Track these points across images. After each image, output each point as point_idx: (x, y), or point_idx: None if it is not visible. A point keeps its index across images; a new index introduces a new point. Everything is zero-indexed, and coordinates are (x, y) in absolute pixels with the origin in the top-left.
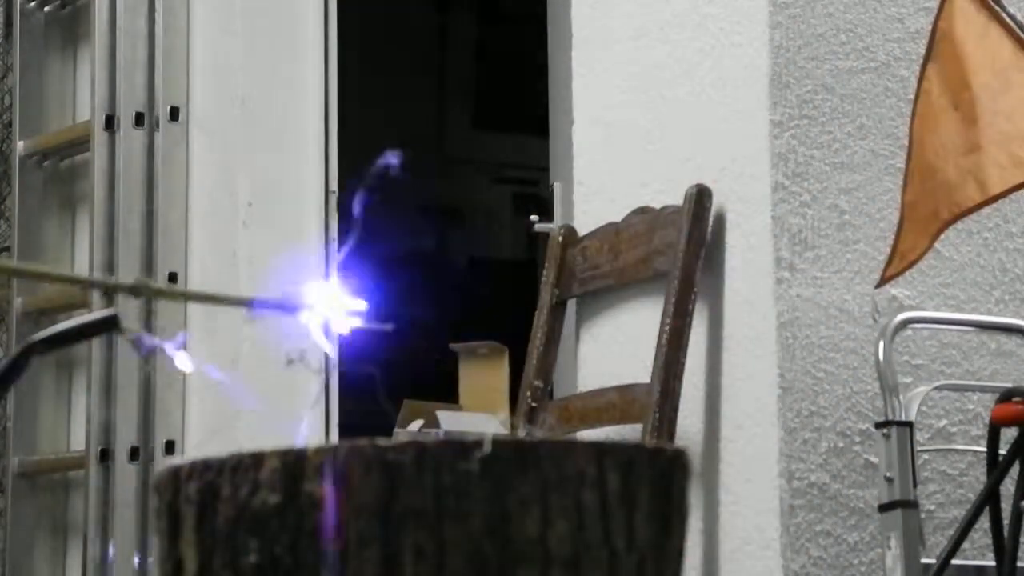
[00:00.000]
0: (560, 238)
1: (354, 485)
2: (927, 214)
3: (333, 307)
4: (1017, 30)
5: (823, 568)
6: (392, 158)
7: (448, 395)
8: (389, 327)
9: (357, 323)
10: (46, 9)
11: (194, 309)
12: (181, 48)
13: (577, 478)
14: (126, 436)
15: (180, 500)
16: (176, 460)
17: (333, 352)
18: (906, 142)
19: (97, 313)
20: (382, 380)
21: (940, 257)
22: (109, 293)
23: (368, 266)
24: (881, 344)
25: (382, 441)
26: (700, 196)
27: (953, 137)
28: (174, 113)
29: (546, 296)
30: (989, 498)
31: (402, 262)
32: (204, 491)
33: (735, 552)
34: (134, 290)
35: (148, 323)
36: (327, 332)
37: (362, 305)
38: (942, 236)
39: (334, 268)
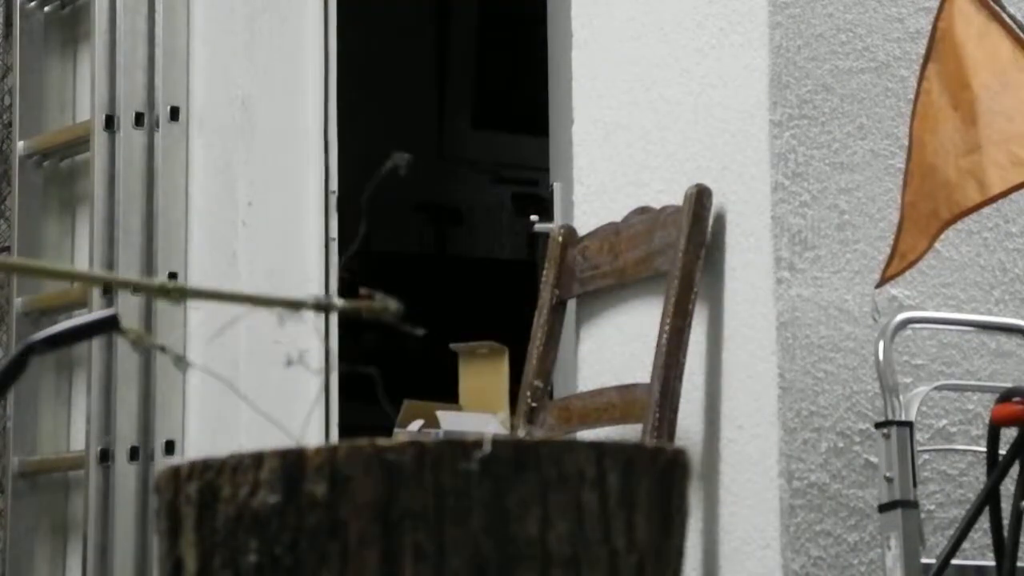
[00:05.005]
0: (560, 238)
1: (354, 485)
2: (927, 214)
3: (364, 308)
4: (1017, 30)
5: (823, 568)
6: (392, 158)
7: (448, 395)
8: (420, 331)
9: (387, 324)
10: (46, 9)
11: (194, 309)
12: (181, 48)
13: (577, 478)
14: (126, 436)
15: (180, 500)
16: (176, 460)
17: (333, 349)
18: (906, 142)
19: (97, 313)
20: (382, 380)
21: (940, 257)
22: (109, 290)
23: (368, 266)
24: (881, 344)
25: (382, 441)
26: (700, 196)
27: (953, 137)
28: (174, 113)
29: (546, 296)
30: (989, 498)
31: (402, 261)
32: (204, 491)
33: (735, 552)
34: (162, 291)
35: (148, 323)
36: (327, 327)
37: (395, 307)
38: (942, 236)
39: (334, 268)
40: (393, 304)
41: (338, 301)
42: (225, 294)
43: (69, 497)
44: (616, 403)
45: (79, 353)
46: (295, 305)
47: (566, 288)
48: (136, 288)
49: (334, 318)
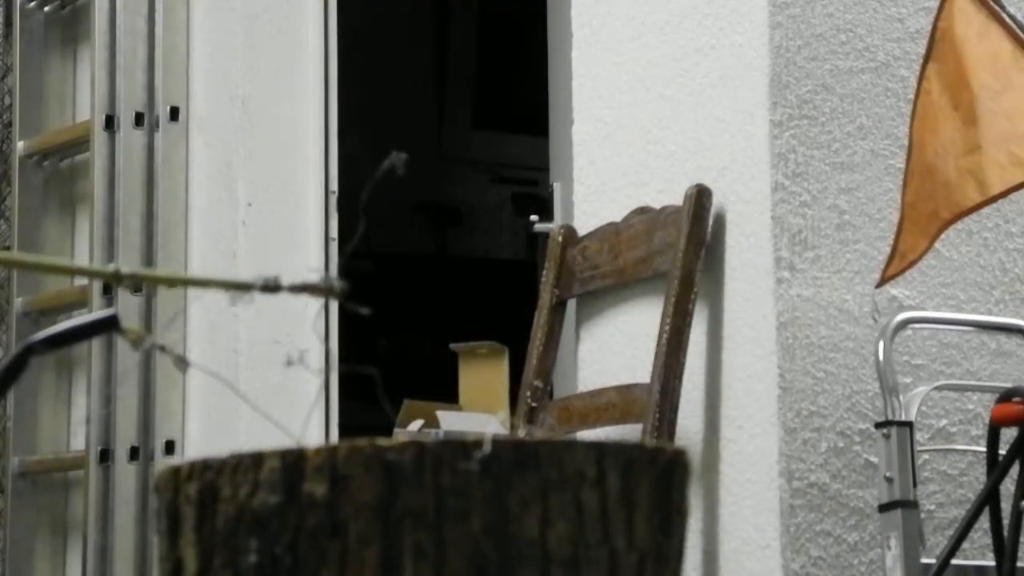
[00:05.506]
0: (560, 238)
1: (354, 485)
2: (927, 214)
3: (312, 288)
4: (1017, 30)
5: (823, 568)
6: (391, 158)
7: (448, 395)
8: (365, 311)
9: (336, 302)
10: (46, 9)
11: (194, 309)
12: (181, 48)
13: (577, 478)
14: (126, 436)
15: (180, 500)
16: (176, 460)
17: (333, 349)
18: (906, 142)
19: (97, 313)
20: (382, 380)
21: (940, 257)
22: (109, 290)
23: (368, 266)
24: (881, 344)
25: (382, 441)
26: (700, 196)
27: (953, 137)
28: (174, 113)
29: (546, 296)
30: (989, 498)
31: (402, 261)
32: (204, 491)
33: (735, 552)
34: (116, 278)
35: (148, 323)
36: (327, 327)
37: (342, 285)
38: (942, 236)
39: (334, 268)
40: (338, 284)
41: (284, 282)
42: (175, 279)
43: (69, 497)
44: (616, 403)
45: (79, 353)
46: (244, 287)
47: (566, 288)
48: (86, 275)
49: (334, 318)
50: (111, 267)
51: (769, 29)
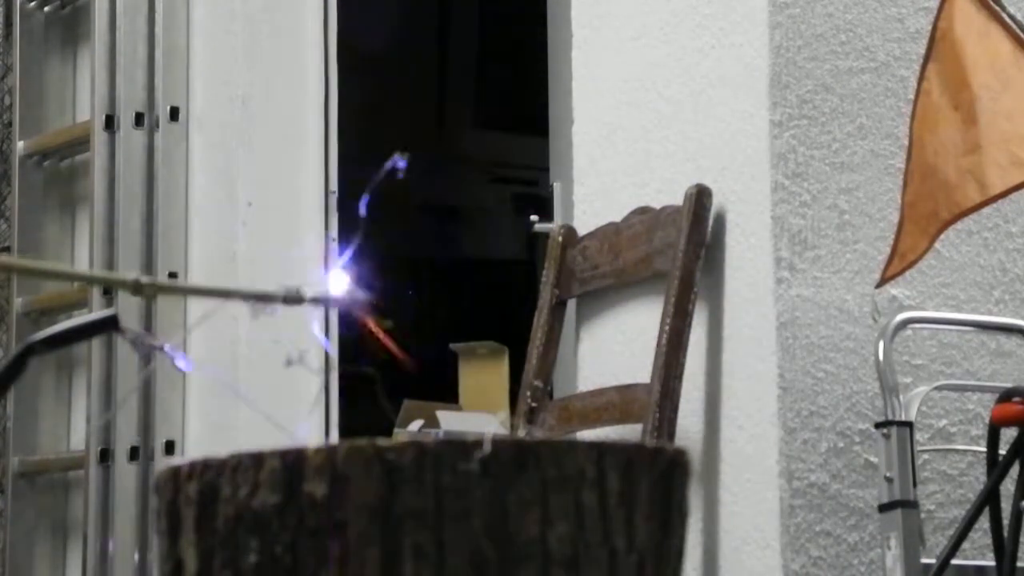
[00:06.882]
0: (560, 238)
1: (354, 485)
2: (927, 214)
3: (335, 300)
4: (1017, 30)
5: (823, 568)
6: (392, 159)
7: (448, 395)
8: (388, 324)
9: (358, 316)
10: (46, 9)
11: (194, 309)
12: (181, 48)
13: (577, 478)
14: (126, 436)
15: (180, 500)
16: (176, 460)
17: (333, 349)
18: (906, 142)
19: (97, 313)
20: (382, 380)
21: (940, 257)
22: (109, 291)
23: (368, 266)
24: (881, 344)
25: (382, 441)
26: (700, 196)
27: (953, 137)
28: (174, 113)
29: (546, 296)
30: (989, 498)
31: (402, 262)
32: (204, 491)
33: (735, 552)
34: (136, 288)
35: (148, 323)
36: (327, 328)
37: (364, 298)
38: (942, 236)
39: (334, 267)
40: (361, 295)
41: (306, 293)
42: (196, 289)
43: (69, 497)
44: (616, 403)
45: (79, 353)
46: (265, 298)
47: (566, 288)
48: (106, 284)
49: (334, 318)
50: (131, 276)
51: (769, 29)
